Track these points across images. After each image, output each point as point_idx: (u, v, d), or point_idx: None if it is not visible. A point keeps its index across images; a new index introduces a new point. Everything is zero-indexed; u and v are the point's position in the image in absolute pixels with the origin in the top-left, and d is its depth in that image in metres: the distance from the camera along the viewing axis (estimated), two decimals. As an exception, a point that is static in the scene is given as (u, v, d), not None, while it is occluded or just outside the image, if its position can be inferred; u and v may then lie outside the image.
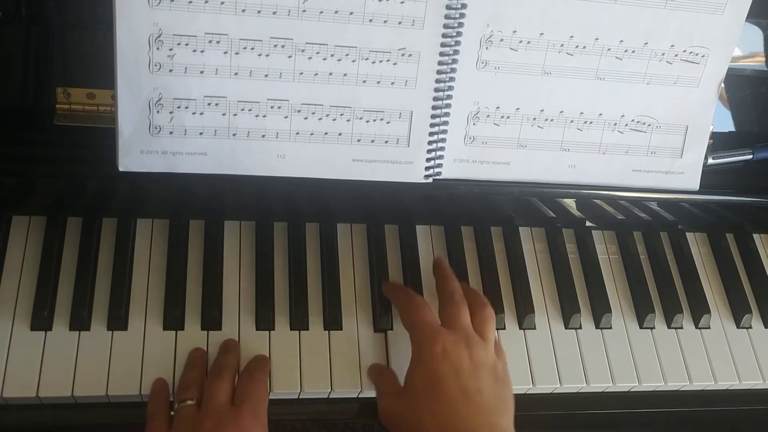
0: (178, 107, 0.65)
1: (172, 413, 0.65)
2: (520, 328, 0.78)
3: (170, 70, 0.63)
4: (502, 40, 0.68)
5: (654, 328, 0.81)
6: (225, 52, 0.64)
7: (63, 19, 0.69)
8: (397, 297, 0.75)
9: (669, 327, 0.82)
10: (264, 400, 0.66)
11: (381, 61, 0.66)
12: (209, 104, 0.65)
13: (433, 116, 0.70)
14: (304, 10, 0.63)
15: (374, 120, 0.69)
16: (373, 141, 0.69)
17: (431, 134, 0.70)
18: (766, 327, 0.85)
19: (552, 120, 0.72)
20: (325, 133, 0.68)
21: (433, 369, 0.66)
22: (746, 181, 0.83)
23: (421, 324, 0.69)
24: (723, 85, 0.74)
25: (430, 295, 0.77)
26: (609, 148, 0.74)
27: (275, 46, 0.64)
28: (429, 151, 0.71)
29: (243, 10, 0.62)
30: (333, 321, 0.74)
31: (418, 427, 0.65)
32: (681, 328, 0.82)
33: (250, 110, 0.66)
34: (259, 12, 0.63)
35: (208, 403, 0.64)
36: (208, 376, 0.68)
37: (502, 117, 0.71)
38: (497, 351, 0.71)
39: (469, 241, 0.82)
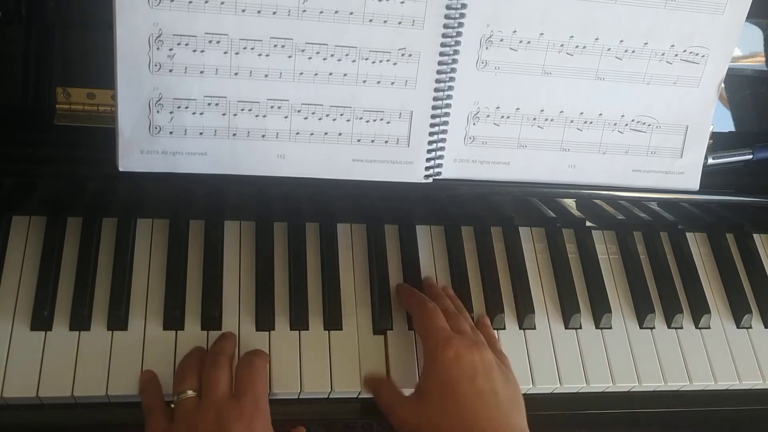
0: (178, 107, 0.65)
1: (172, 405, 0.65)
2: (520, 328, 0.78)
3: (170, 70, 0.63)
4: (502, 40, 0.68)
5: (654, 328, 0.81)
6: (225, 52, 0.64)
7: (63, 19, 0.69)
8: (411, 303, 0.74)
9: (669, 327, 0.82)
10: (265, 389, 0.66)
11: (381, 61, 0.66)
12: (209, 104, 0.65)
13: (433, 116, 0.70)
14: (304, 10, 0.63)
15: (374, 120, 0.69)
16: (373, 141, 0.69)
17: (431, 134, 0.70)
18: (766, 327, 0.85)
19: (552, 120, 0.72)
20: (325, 133, 0.68)
21: (448, 373, 0.66)
22: (746, 181, 0.83)
23: (434, 330, 0.69)
24: (723, 85, 0.74)
25: (430, 295, 0.77)
26: (609, 148, 0.74)
27: (275, 46, 0.64)
28: (429, 151, 0.71)
29: (243, 10, 0.62)
30: (333, 321, 0.74)
31: None
32: (681, 328, 0.82)
33: (250, 110, 0.66)
34: (259, 12, 0.63)
35: (208, 395, 0.63)
36: (206, 363, 0.67)
37: (502, 117, 0.71)
38: (499, 355, 0.72)
39: (469, 241, 0.82)
